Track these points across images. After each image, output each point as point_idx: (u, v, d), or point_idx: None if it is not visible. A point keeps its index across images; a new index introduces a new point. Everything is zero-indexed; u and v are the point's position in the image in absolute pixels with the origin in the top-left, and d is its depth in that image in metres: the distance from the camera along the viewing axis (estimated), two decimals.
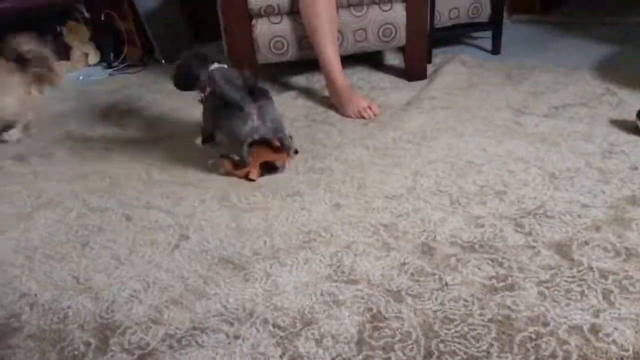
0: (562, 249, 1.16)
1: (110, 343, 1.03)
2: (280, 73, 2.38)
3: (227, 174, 1.60)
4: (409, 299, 1.08)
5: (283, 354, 0.98)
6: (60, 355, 1.02)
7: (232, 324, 1.05)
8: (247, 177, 1.57)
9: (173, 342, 1.03)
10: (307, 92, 2.19)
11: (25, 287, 1.22)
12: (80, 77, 2.68)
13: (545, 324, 0.98)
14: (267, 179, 1.57)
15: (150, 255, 1.29)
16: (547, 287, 1.07)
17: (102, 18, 2.77)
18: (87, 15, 2.84)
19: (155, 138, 1.91)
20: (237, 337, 1.02)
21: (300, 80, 2.32)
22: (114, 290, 1.18)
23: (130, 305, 1.13)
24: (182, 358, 0.99)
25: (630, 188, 1.35)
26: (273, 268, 1.21)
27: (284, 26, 2.07)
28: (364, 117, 1.92)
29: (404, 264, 1.18)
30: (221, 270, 1.21)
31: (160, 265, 1.25)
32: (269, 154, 1.59)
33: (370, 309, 1.06)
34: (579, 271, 1.10)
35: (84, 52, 2.81)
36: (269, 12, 2.04)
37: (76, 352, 1.02)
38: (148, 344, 1.03)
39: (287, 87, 2.27)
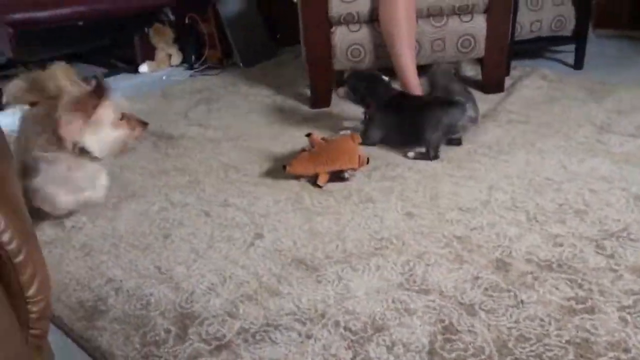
0: None
1: (189, 332, 1.08)
2: None
3: (296, 176, 1.62)
4: (482, 314, 1.07)
5: (354, 357, 1.00)
6: (142, 339, 1.08)
7: (304, 324, 1.08)
8: (314, 182, 1.59)
9: (248, 337, 1.06)
10: None
11: (111, 272, 1.29)
12: (164, 77, 2.81)
13: (627, 351, 0.95)
14: (339, 184, 1.59)
15: (227, 251, 1.34)
16: (629, 313, 1.03)
17: (186, 21, 2.89)
18: (172, 18, 2.97)
19: (232, 138, 1.98)
20: (309, 337, 1.05)
21: None
22: (192, 281, 1.23)
23: (208, 298, 1.18)
24: (257, 352, 1.03)
25: None
26: (345, 272, 1.23)
27: (363, 34, 2.10)
28: None
29: (478, 277, 1.17)
30: (294, 271, 1.24)
31: (236, 261, 1.29)
32: (343, 161, 1.60)
33: (442, 320, 1.06)
34: None
35: (168, 53, 2.94)
36: (348, 20, 2.07)
37: (157, 338, 1.08)
38: (224, 336, 1.07)
39: None
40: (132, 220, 1.51)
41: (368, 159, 1.63)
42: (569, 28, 2.38)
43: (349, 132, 1.77)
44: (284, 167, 1.59)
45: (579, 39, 2.35)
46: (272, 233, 1.40)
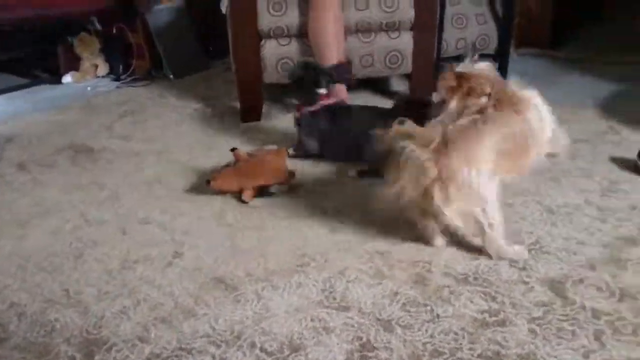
0: (555, 286, 1.15)
1: (95, 359, 1.03)
2: (286, 93, 2.39)
3: (220, 191, 1.58)
4: (399, 330, 1.06)
5: None
6: None
7: (219, 346, 1.05)
8: (239, 198, 1.55)
9: None
10: None
11: (15, 296, 1.21)
12: (88, 88, 2.70)
13: None
14: (264, 200, 1.57)
15: (142, 271, 1.29)
16: (538, 325, 1.05)
17: (114, 31, 2.80)
18: (99, 27, 2.87)
19: (158, 151, 1.92)
20: None
21: None
22: (103, 305, 1.17)
23: (119, 322, 1.12)
24: None
25: (627, 228, 1.34)
26: (265, 290, 1.20)
27: (292, 48, 2.09)
28: None
29: (397, 293, 1.17)
30: (212, 290, 1.21)
31: (152, 282, 1.24)
32: (269, 176, 1.58)
33: (360, 338, 1.05)
34: (572, 310, 1.08)
35: (94, 64, 2.84)
36: (278, 34, 2.06)
37: None
38: None
39: (292, 107, 2.27)
40: (42, 240, 1.43)
41: (294, 173, 1.62)
42: (492, 46, 2.46)
43: (275, 146, 1.74)
44: (208, 182, 1.55)
45: (501, 57, 2.44)
46: (192, 251, 1.36)
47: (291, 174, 1.61)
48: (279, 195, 1.59)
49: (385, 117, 1.56)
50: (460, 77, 1.35)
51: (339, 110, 1.76)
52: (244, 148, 1.74)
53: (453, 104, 1.34)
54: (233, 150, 1.65)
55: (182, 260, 1.32)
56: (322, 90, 1.74)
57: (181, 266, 1.30)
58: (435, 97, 1.41)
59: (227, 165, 1.62)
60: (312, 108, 1.73)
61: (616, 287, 1.14)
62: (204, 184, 1.58)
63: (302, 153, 1.75)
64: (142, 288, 1.22)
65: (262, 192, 1.58)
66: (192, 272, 1.27)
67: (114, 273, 1.28)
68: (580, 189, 1.53)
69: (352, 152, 1.68)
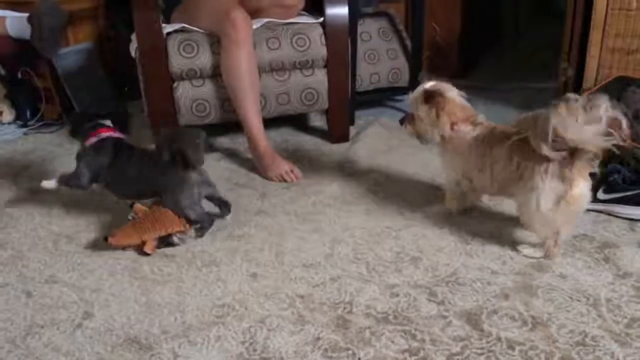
0: (472, 319, 1.18)
1: None
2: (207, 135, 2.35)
3: (121, 247, 1.50)
4: None
5: None
6: None
7: None
8: (141, 251, 1.49)
9: None
10: (231, 154, 2.18)
11: None
12: None
13: None
14: (182, 247, 1.52)
15: (49, 337, 1.20)
16: None
17: (19, 76, 2.67)
18: (2, 72, 2.73)
19: (67, 203, 1.82)
20: None
21: (224, 141, 2.31)
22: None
23: None
24: None
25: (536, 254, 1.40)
26: (182, 348, 1.15)
27: (206, 89, 2.07)
28: (286, 181, 1.92)
29: (319, 338, 1.16)
30: (125, 352, 1.15)
31: (59, 349, 1.16)
32: (169, 226, 1.52)
33: None
34: (487, 342, 1.11)
35: None
36: (190, 76, 2.04)
37: None
38: None
39: (211, 149, 2.25)
40: None
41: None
42: (404, 79, 2.55)
43: None
44: (106, 239, 1.47)
45: (413, 88, 2.52)
46: (103, 310, 1.28)
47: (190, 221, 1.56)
48: (189, 242, 1.54)
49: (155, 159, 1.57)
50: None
51: (122, 148, 1.68)
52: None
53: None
54: (132, 205, 1.59)
55: (92, 322, 1.24)
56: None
57: (91, 328, 1.22)
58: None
59: (128, 221, 1.55)
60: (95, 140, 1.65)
61: (528, 316, 1.18)
62: (102, 241, 1.51)
63: (70, 183, 1.66)
64: (48, 356, 1.14)
65: (164, 242, 1.52)
66: (103, 333, 1.20)
67: (17, 341, 1.19)
68: (492, 218, 1.59)
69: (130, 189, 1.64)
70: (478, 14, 3.08)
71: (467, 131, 1.47)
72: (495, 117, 2.40)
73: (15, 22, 2.25)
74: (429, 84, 1.53)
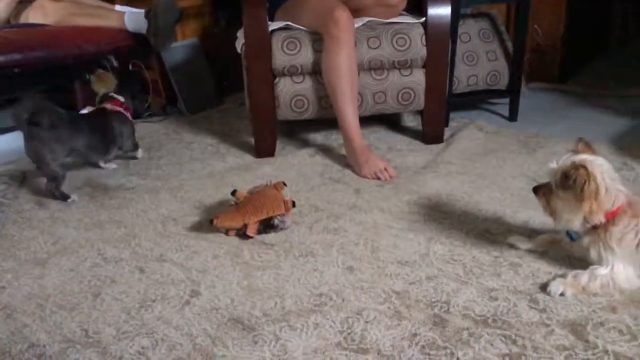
0: (576, 329, 1.14)
1: None
2: (299, 129, 2.42)
3: (224, 229, 1.58)
4: None
5: None
6: None
7: None
8: (243, 234, 1.56)
9: None
10: (325, 150, 2.23)
11: (34, 337, 1.22)
12: None
13: None
14: (280, 237, 1.58)
15: (160, 310, 1.29)
16: None
17: (130, 68, 2.86)
18: (115, 64, 2.93)
19: (172, 188, 1.94)
20: None
21: (318, 137, 2.36)
22: (122, 345, 1.17)
23: None
24: None
25: None
26: (282, 331, 1.20)
27: (306, 85, 2.13)
28: (379, 179, 1.94)
29: (415, 334, 1.16)
30: (230, 331, 1.21)
31: (169, 322, 1.25)
32: (269, 208, 1.58)
33: None
34: (593, 354, 1.07)
35: None
36: (292, 72, 2.10)
37: None
38: None
39: (305, 144, 2.31)
40: (60, 278, 1.43)
41: (294, 202, 1.63)
42: (503, 82, 2.49)
43: (265, 183, 1.73)
44: (211, 221, 1.55)
45: (512, 92, 2.46)
46: (209, 290, 1.36)
47: (291, 203, 1.62)
48: (293, 231, 1.60)
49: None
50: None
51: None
52: (258, 183, 1.75)
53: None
54: (233, 193, 1.66)
55: (199, 300, 1.32)
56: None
57: (198, 306, 1.30)
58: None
59: (231, 206, 1.63)
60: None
61: (638, 330, 1.12)
62: (208, 223, 1.59)
63: None
64: (160, 328, 1.23)
65: (265, 225, 1.58)
66: (209, 312, 1.28)
67: (132, 312, 1.29)
68: None
69: None
70: (584, 15, 2.95)
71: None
72: (598, 127, 2.32)
73: (133, 17, 2.41)
74: (573, 158, 1.26)
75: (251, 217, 1.56)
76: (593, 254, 1.27)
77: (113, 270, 1.46)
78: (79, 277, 1.44)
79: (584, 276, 1.26)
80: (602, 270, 1.25)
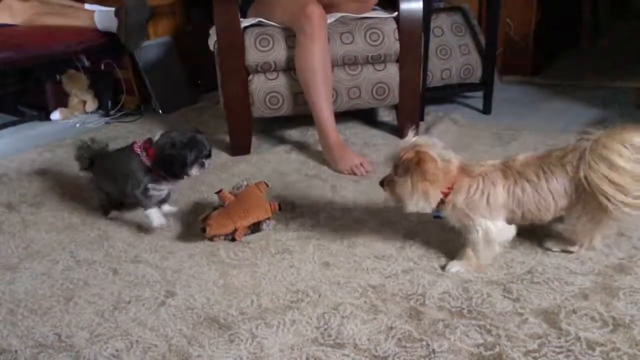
0: (549, 317, 1.16)
1: None
2: (275, 126, 2.41)
3: (217, 236, 1.55)
4: None
5: None
6: None
7: None
8: (232, 239, 1.55)
9: None
10: (301, 147, 2.22)
11: (5, 342, 1.19)
12: (77, 125, 2.71)
13: None
14: (257, 235, 1.57)
15: (135, 312, 1.27)
16: (534, 358, 1.06)
17: (102, 67, 2.82)
18: (87, 64, 2.89)
19: None
20: None
21: (294, 134, 2.36)
22: (95, 348, 1.16)
23: None
24: None
25: (616, 256, 1.35)
26: (259, 329, 1.19)
27: (280, 82, 2.12)
28: (356, 174, 1.94)
29: (392, 328, 1.17)
30: (206, 330, 1.20)
31: (144, 323, 1.23)
32: (260, 212, 1.57)
33: None
34: (566, 341, 1.09)
35: (82, 100, 2.85)
36: (265, 69, 2.09)
37: None
38: None
39: (281, 140, 2.30)
40: (32, 282, 1.41)
41: (280, 205, 1.62)
42: (476, 75, 2.51)
43: (245, 182, 1.72)
44: (203, 230, 1.53)
45: (486, 85, 2.48)
46: (184, 290, 1.35)
47: (277, 206, 1.60)
48: (267, 231, 1.59)
49: None
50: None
51: None
52: (235, 181, 1.74)
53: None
54: (218, 192, 1.64)
55: (175, 300, 1.31)
56: None
57: (174, 306, 1.29)
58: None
59: (215, 208, 1.61)
60: None
61: (609, 317, 1.14)
62: (196, 224, 1.58)
63: None
64: (134, 330, 1.21)
65: (253, 229, 1.57)
66: (185, 312, 1.26)
67: (106, 315, 1.27)
68: None
69: None
70: (555, 10, 2.99)
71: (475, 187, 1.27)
72: (571, 118, 2.35)
73: (103, 16, 2.38)
74: (405, 144, 1.28)
75: (242, 222, 1.54)
76: (460, 227, 1.33)
77: (86, 273, 1.44)
78: (51, 280, 1.41)
79: (468, 251, 1.33)
80: (475, 237, 1.30)
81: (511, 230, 1.31)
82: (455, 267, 1.35)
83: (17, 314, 1.29)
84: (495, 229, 1.29)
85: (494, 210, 1.28)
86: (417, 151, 1.24)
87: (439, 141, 1.30)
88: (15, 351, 1.16)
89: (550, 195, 1.26)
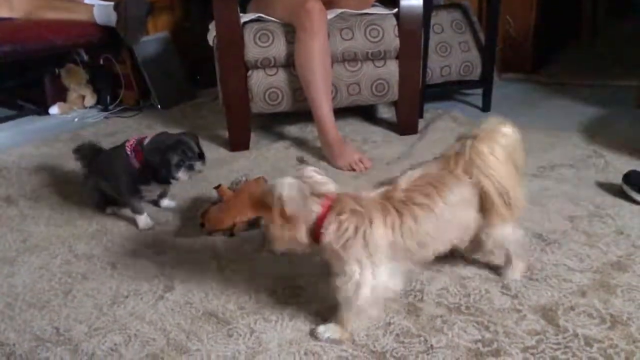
0: (547, 314, 1.16)
1: None
2: (274, 122, 2.41)
3: (215, 231, 1.55)
4: None
5: None
6: None
7: None
8: (230, 234, 1.54)
9: None
10: (300, 143, 2.22)
11: (3, 336, 1.19)
12: (76, 119, 2.70)
13: None
14: (255, 230, 1.57)
15: (133, 306, 1.27)
16: (532, 354, 1.06)
17: (101, 62, 2.81)
18: (85, 58, 2.88)
19: None
20: None
21: (292, 130, 2.35)
22: (94, 342, 1.16)
23: (110, 359, 1.10)
24: None
25: (615, 253, 1.36)
26: (257, 324, 1.20)
27: (279, 78, 2.11)
28: (354, 170, 1.94)
29: (390, 323, 1.17)
30: (205, 325, 1.20)
31: (143, 317, 1.23)
32: (257, 209, 1.56)
33: None
34: (564, 338, 1.09)
35: (81, 95, 2.84)
36: (265, 64, 2.08)
37: None
38: None
39: (280, 136, 2.30)
40: (30, 276, 1.41)
41: None
42: (476, 73, 2.51)
43: (244, 177, 1.71)
44: (202, 225, 1.53)
45: (485, 83, 2.48)
46: (183, 284, 1.35)
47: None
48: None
49: None
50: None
51: None
52: (234, 176, 1.74)
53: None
54: (217, 188, 1.64)
55: (173, 295, 1.31)
56: None
57: (172, 300, 1.29)
58: None
59: (214, 204, 1.61)
60: None
61: (607, 314, 1.15)
62: (194, 219, 1.58)
63: None
64: (133, 324, 1.21)
65: (251, 224, 1.57)
66: (183, 306, 1.26)
67: (105, 309, 1.27)
68: (567, 214, 1.55)
69: None
70: (555, 7, 2.98)
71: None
72: (570, 116, 2.35)
73: (102, 10, 2.37)
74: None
75: (239, 218, 1.54)
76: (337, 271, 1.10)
77: (85, 267, 1.44)
78: (49, 274, 1.41)
79: (339, 313, 1.12)
80: (343, 288, 1.08)
81: (397, 284, 1.10)
82: (326, 332, 1.13)
83: (15, 307, 1.29)
84: (372, 280, 1.06)
85: (374, 253, 1.05)
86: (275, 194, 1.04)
87: (317, 173, 1.12)
88: (13, 344, 1.16)
89: (454, 213, 1.10)
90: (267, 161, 2.06)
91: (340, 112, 2.23)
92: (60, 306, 1.28)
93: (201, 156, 1.58)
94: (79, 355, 1.12)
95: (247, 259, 1.44)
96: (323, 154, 2.06)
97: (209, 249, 1.49)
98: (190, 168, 1.54)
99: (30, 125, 2.66)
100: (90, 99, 2.86)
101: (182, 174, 1.53)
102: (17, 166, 2.12)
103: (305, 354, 1.10)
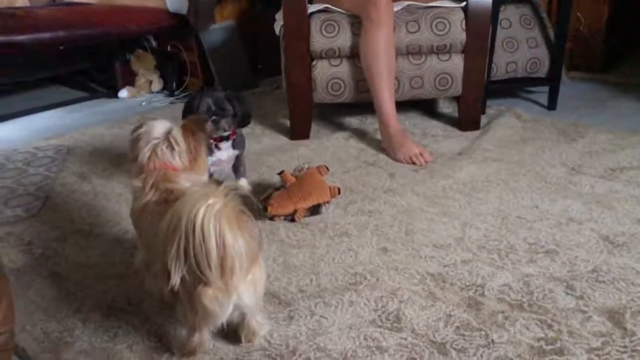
0: (614, 316, 1.13)
1: None
2: (335, 113, 2.43)
3: (278, 216, 1.59)
4: (454, 353, 1.07)
5: None
6: None
7: None
8: (292, 219, 1.58)
9: None
10: (359, 134, 2.23)
11: (79, 303, 1.27)
12: (143, 103, 2.81)
13: None
14: (315, 217, 1.60)
15: None
16: (597, 355, 1.04)
17: (169, 49, 2.91)
18: (154, 45, 2.99)
19: None
20: None
21: (353, 121, 2.37)
22: (163, 313, 1.21)
23: (179, 330, 1.16)
24: None
25: None
26: (318, 307, 1.22)
27: (343, 69, 2.13)
28: (414, 163, 1.94)
29: (450, 315, 1.17)
30: (267, 305, 1.23)
31: None
32: (320, 195, 1.60)
33: (414, 359, 1.06)
34: (631, 341, 1.07)
35: (148, 80, 2.94)
36: (329, 55, 2.10)
37: None
38: None
39: (340, 127, 2.32)
40: (104, 249, 1.48)
41: (339, 189, 1.64)
42: (543, 70, 2.45)
43: (307, 165, 1.75)
44: (265, 208, 1.57)
45: (552, 81, 2.42)
46: None
47: (337, 190, 1.63)
48: (327, 212, 1.62)
49: None
50: None
51: None
52: (294, 164, 1.78)
53: None
54: (280, 173, 1.68)
55: None
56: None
57: None
58: None
59: (277, 189, 1.65)
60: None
61: None
62: (255, 203, 1.61)
63: None
64: None
65: (312, 211, 1.60)
66: None
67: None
68: (637, 218, 1.50)
69: None
70: (628, 4, 2.87)
71: None
72: (638, 117, 2.26)
73: None
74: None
75: (302, 204, 1.58)
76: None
77: None
78: (120, 248, 1.48)
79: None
80: None
81: None
82: None
83: (89, 277, 1.36)
84: None
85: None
86: None
87: None
88: (88, 312, 1.23)
89: None
90: (327, 150, 2.09)
91: (401, 106, 2.22)
92: (131, 278, 1.35)
93: (220, 114, 1.59)
94: (149, 324, 1.18)
95: (307, 244, 1.47)
96: (382, 147, 2.06)
97: (270, 232, 1.53)
98: (215, 122, 1.58)
99: (101, 107, 2.79)
100: (157, 84, 2.96)
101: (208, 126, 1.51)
102: (90, 145, 2.23)
103: (365, 339, 1.12)
